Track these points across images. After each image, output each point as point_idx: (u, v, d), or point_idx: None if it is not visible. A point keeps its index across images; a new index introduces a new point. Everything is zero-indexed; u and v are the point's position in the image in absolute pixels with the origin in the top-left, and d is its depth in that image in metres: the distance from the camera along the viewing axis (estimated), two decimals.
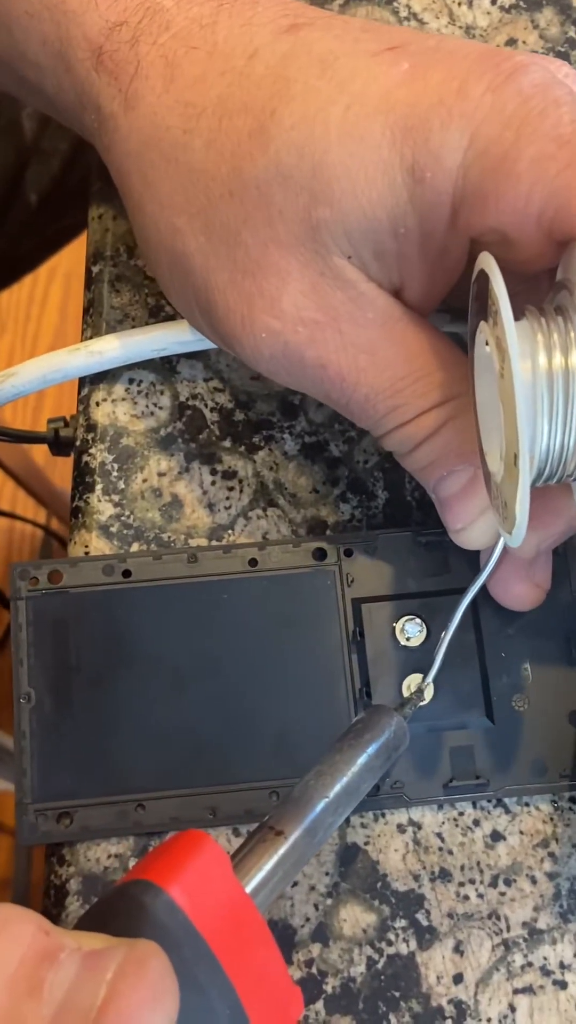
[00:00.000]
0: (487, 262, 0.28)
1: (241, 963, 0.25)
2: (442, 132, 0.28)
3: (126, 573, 0.35)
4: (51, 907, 0.33)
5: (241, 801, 0.34)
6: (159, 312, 0.39)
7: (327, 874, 0.34)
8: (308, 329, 0.31)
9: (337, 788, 0.29)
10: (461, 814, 0.34)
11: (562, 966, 0.33)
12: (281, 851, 0.27)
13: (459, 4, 0.42)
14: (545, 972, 0.33)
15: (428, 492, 0.34)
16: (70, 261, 1.34)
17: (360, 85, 0.29)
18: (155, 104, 0.32)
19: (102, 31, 0.33)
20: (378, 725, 0.31)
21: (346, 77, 0.30)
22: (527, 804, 0.34)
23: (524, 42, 0.42)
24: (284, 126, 0.30)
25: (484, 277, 0.28)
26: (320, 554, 0.36)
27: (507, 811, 0.34)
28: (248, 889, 0.26)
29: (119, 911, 0.24)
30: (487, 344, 0.28)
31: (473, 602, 0.35)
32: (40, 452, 1.32)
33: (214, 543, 0.37)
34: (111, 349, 0.37)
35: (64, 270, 1.39)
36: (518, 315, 0.28)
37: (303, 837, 0.28)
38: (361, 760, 0.30)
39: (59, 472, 1.34)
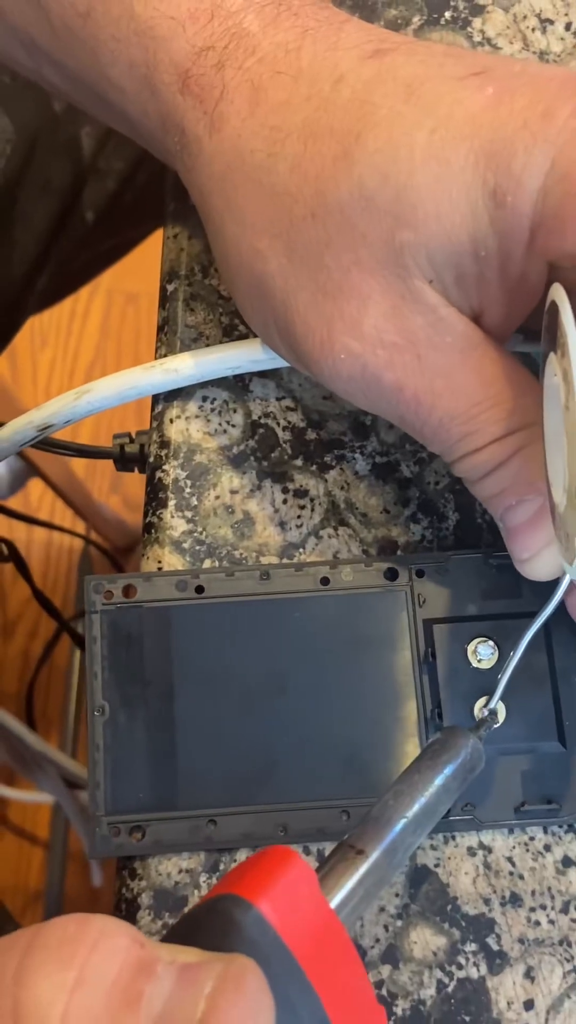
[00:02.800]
0: (557, 293, 0.28)
1: (328, 980, 0.25)
2: (525, 156, 0.28)
3: (199, 589, 0.35)
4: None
5: (312, 819, 0.34)
6: (233, 331, 0.39)
7: (397, 895, 0.34)
8: (387, 352, 0.31)
9: (416, 808, 0.29)
10: (532, 839, 0.34)
11: None
12: (363, 869, 0.27)
13: (533, 30, 0.43)
14: None
15: (496, 520, 0.34)
16: (112, 278, 1.35)
17: (445, 109, 0.30)
18: (240, 127, 0.32)
19: (189, 56, 0.33)
20: (454, 747, 0.31)
21: (431, 101, 0.30)
22: None
23: None
24: (368, 150, 0.30)
25: (555, 308, 0.28)
26: (392, 574, 0.36)
27: None
28: (333, 905, 0.26)
29: (209, 925, 0.24)
30: (555, 375, 0.28)
31: (546, 625, 0.35)
32: (79, 464, 1.33)
33: (285, 561, 0.37)
34: (186, 367, 0.38)
35: (106, 286, 1.41)
36: None
37: (383, 856, 0.28)
38: (438, 781, 0.30)
39: (97, 484, 1.35)
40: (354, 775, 0.34)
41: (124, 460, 0.46)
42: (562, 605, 0.34)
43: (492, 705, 0.33)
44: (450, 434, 0.32)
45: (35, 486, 1.28)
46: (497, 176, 0.28)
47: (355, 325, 0.31)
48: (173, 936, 0.25)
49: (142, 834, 0.34)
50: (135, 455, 0.46)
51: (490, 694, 0.34)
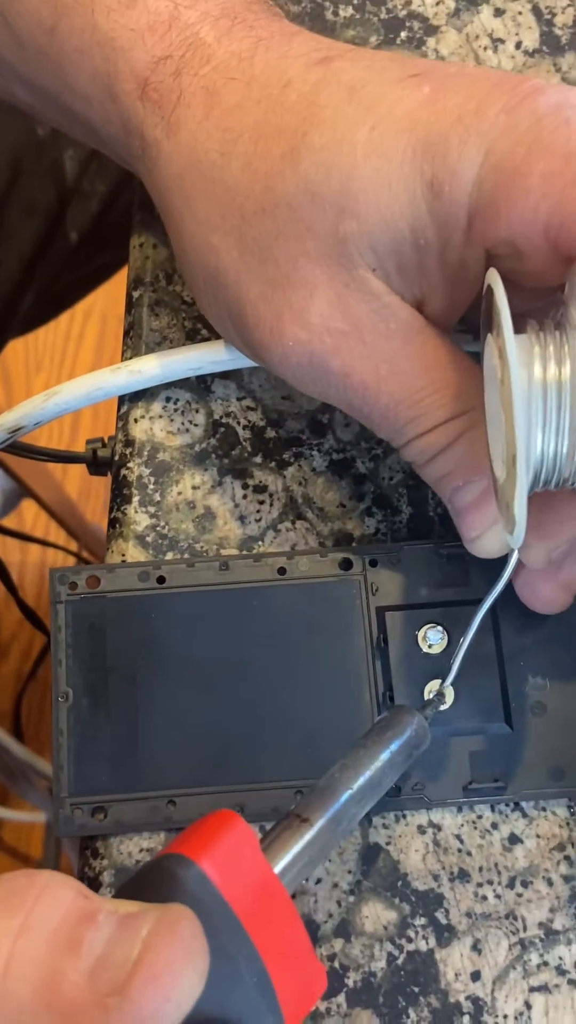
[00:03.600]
0: (492, 277, 0.30)
1: (268, 936, 0.26)
2: (460, 148, 0.30)
3: (160, 579, 0.37)
4: None
5: (268, 799, 0.35)
6: (196, 335, 0.41)
7: (349, 872, 0.35)
8: (333, 339, 0.33)
9: (360, 781, 0.30)
10: (480, 817, 0.36)
11: None
12: (307, 836, 0.29)
13: (485, 48, 0.45)
14: (560, 971, 0.34)
15: (444, 501, 0.35)
16: (106, 302, 1.38)
17: (385, 107, 0.31)
18: (195, 130, 0.34)
19: (148, 65, 0.35)
20: (400, 724, 0.32)
21: (372, 101, 0.32)
22: (544, 808, 0.36)
23: None
24: (314, 147, 0.32)
25: (490, 291, 0.30)
26: (346, 564, 0.37)
27: (524, 815, 0.36)
28: (276, 870, 0.28)
29: (153, 882, 0.26)
30: (493, 355, 0.30)
31: (493, 611, 0.36)
32: (73, 486, 1.35)
33: (245, 552, 0.38)
34: (150, 368, 0.39)
35: (100, 310, 1.43)
36: (522, 329, 0.30)
37: (328, 825, 0.29)
38: (384, 756, 0.31)
39: (91, 507, 1.36)
40: (309, 757, 0.35)
41: (97, 464, 0.48)
42: (510, 588, 0.35)
43: (448, 681, 0.34)
44: (396, 418, 0.33)
45: (29, 508, 1.29)
46: (434, 167, 0.30)
47: (302, 313, 0.33)
48: (120, 894, 0.26)
49: (104, 814, 0.35)
50: (107, 459, 0.48)
51: (440, 677, 0.36)
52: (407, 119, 0.31)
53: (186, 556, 0.38)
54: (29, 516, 1.34)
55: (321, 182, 0.32)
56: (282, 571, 0.37)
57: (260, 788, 0.35)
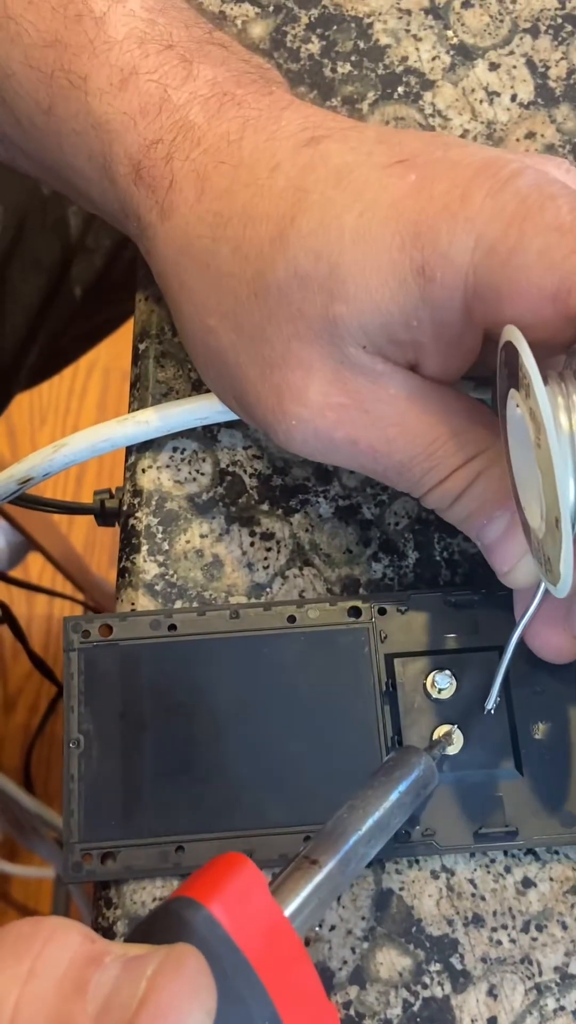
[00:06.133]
0: (514, 335, 0.29)
1: (279, 979, 0.26)
2: (449, 236, 0.31)
3: (172, 627, 0.37)
4: None
5: (276, 845, 0.35)
6: (201, 386, 0.42)
7: (363, 918, 0.35)
8: (335, 413, 0.34)
9: (369, 822, 0.30)
10: (492, 861, 0.35)
11: None
12: (317, 879, 0.29)
13: (481, 101, 0.46)
14: None
15: (473, 540, 0.35)
16: (109, 356, 1.39)
17: (372, 194, 0.32)
18: (187, 214, 0.35)
19: (140, 148, 0.36)
20: (408, 764, 0.32)
21: (359, 187, 0.33)
22: (557, 852, 0.36)
23: (542, 135, 0.45)
24: (302, 233, 0.33)
25: (512, 349, 0.30)
26: (355, 612, 0.37)
27: (537, 859, 0.35)
28: (287, 912, 0.28)
29: (162, 925, 0.26)
30: (518, 407, 0.30)
31: (501, 655, 0.37)
32: (78, 538, 1.35)
33: (254, 600, 0.39)
34: (156, 419, 0.40)
35: (103, 364, 1.44)
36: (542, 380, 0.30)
37: (337, 866, 0.29)
38: (392, 796, 0.31)
39: (96, 559, 1.37)
40: (318, 802, 0.35)
41: (104, 515, 0.48)
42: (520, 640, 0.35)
43: (490, 704, 0.35)
44: (412, 473, 0.34)
45: (35, 561, 1.29)
46: (424, 254, 0.31)
47: (301, 393, 0.34)
48: (130, 938, 0.26)
49: (113, 860, 0.35)
50: (115, 510, 0.48)
51: (448, 723, 0.36)
52: (394, 208, 0.31)
53: (195, 604, 0.38)
54: (35, 568, 1.34)
55: (310, 267, 0.32)
56: (292, 619, 0.37)
57: (269, 834, 0.35)
